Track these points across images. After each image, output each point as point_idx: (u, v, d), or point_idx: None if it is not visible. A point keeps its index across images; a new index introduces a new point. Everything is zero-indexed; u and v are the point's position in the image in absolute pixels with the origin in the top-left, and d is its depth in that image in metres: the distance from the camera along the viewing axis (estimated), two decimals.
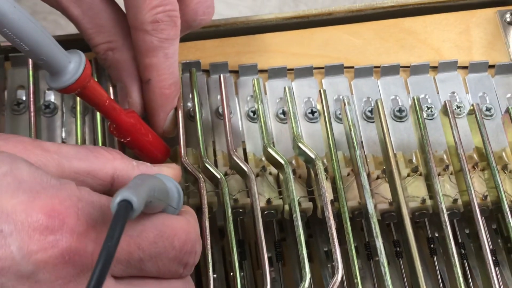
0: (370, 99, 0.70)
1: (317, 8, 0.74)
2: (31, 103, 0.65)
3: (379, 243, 0.58)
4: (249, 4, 1.65)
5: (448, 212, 0.63)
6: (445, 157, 0.67)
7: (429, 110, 0.69)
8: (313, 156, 0.62)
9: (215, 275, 0.65)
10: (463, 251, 0.63)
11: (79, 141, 0.65)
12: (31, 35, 0.47)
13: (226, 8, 1.63)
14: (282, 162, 0.62)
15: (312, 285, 0.62)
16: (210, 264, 0.58)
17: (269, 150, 0.63)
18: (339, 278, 0.57)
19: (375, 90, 0.70)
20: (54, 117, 0.69)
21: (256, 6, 1.65)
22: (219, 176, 0.62)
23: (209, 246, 0.58)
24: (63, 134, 0.68)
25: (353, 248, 0.59)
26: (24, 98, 0.69)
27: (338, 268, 0.57)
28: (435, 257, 0.64)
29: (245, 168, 0.62)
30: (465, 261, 0.63)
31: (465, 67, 0.71)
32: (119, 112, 0.56)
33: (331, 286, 0.56)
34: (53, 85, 0.50)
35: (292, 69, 0.70)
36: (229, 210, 0.61)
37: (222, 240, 0.68)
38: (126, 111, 0.57)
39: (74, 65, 0.50)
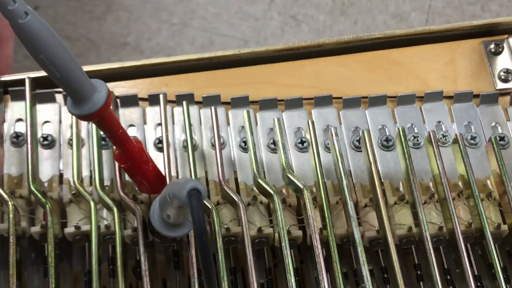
0: (358, 129, 0.72)
1: (307, 41, 0.76)
2: (29, 135, 0.67)
3: (365, 270, 0.60)
4: (252, 24, 1.68)
5: (434, 239, 0.65)
6: (431, 185, 0.68)
7: (416, 139, 0.71)
8: (301, 186, 0.64)
9: None
10: (448, 277, 0.65)
11: (75, 172, 0.66)
12: (65, 63, 0.48)
13: (229, 29, 1.66)
14: (272, 192, 0.64)
15: None
16: None
17: (259, 180, 0.65)
18: None
19: (363, 120, 0.72)
20: (52, 149, 0.71)
21: (258, 26, 1.68)
22: (210, 207, 0.64)
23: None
24: (61, 166, 0.70)
25: (340, 275, 0.61)
26: (23, 131, 0.71)
27: None
28: (421, 283, 0.65)
29: (236, 198, 0.64)
30: (451, 287, 0.65)
31: (450, 97, 0.73)
32: (129, 140, 0.58)
33: None
34: (75, 112, 0.52)
35: (282, 100, 0.72)
36: (220, 239, 0.62)
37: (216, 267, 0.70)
38: (134, 140, 0.59)
39: (98, 95, 0.52)
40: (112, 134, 0.57)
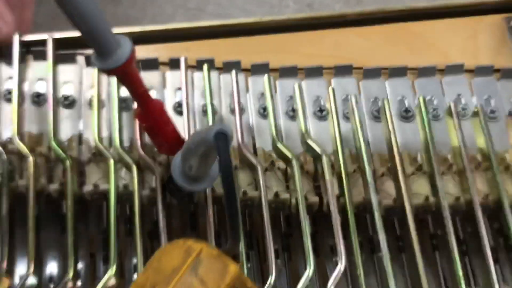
0: (378, 100, 0.72)
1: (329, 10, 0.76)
2: (51, 94, 0.68)
3: (382, 235, 0.60)
4: (267, 11, 1.68)
5: (451, 210, 0.65)
6: (449, 157, 0.68)
7: (435, 111, 0.71)
8: (320, 152, 0.64)
9: None
10: (464, 247, 0.65)
11: (95, 130, 0.67)
12: (92, 16, 0.49)
13: (244, 15, 1.66)
14: (290, 156, 0.64)
15: (316, 276, 0.64)
16: None
17: (278, 145, 0.65)
18: (342, 269, 0.59)
19: (383, 91, 0.72)
20: (72, 109, 0.71)
21: (273, 13, 1.68)
22: None
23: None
24: (81, 126, 0.70)
25: (356, 241, 0.61)
26: (43, 90, 0.71)
27: (341, 259, 0.59)
28: (437, 252, 0.65)
29: (254, 161, 0.64)
30: (466, 257, 0.65)
31: (471, 71, 0.73)
32: (150, 99, 0.58)
33: (334, 276, 0.58)
34: (100, 65, 0.53)
35: (302, 69, 0.72)
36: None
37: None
38: (156, 100, 0.59)
39: (123, 50, 0.52)
40: (135, 91, 0.58)
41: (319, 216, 0.69)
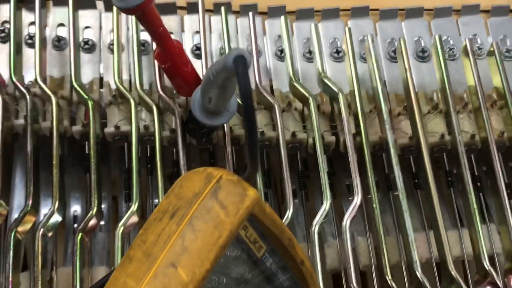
0: (394, 40, 0.72)
1: None
2: (72, 38, 0.69)
3: (398, 171, 0.61)
4: None
5: (466, 148, 0.65)
6: (465, 96, 0.69)
7: (451, 51, 0.71)
8: (337, 90, 0.65)
9: None
10: (479, 184, 0.66)
11: (115, 75, 0.68)
12: None
13: None
14: (307, 95, 0.65)
15: (333, 213, 0.65)
16: None
17: (295, 84, 0.66)
18: (358, 202, 0.60)
19: (399, 32, 0.73)
20: (93, 54, 0.72)
21: None
22: None
23: None
24: (101, 70, 0.72)
25: (372, 177, 0.62)
26: (64, 35, 0.72)
27: (357, 193, 0.60)
28: (452, 189, 0.66)
29: (272, 100, 0.65)
30: (481, 194, 0.66)
31: (487, 11, 0.73)
32: (169, 39, 0.59)
33: (350, 210, 0.60)
34: (119, 4, 0.53)
35: (319, 11, 0.73)
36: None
37: None
38: (174, 40, 0.60)
39: None
40: (154, 30, 0.59)
41: (336, 158, 0.70)
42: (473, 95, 0.66)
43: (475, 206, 0.60)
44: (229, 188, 0.44)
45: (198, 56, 0.71)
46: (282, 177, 0.63)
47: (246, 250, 0.46)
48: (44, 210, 0.67)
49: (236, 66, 0.45)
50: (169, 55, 0.61)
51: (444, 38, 0.72)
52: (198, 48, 0.71)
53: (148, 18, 0.57)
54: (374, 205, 0.61)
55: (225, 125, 0.64)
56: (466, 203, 0.62)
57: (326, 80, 0.65)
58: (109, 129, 0.67)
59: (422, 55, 0.71)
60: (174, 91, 0.67)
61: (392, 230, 0.66)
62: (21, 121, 0.66)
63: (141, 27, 0.69)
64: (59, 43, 0.72)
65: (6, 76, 0.69)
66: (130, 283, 0.41)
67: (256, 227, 0.46)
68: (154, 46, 0.67)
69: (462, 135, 0.64)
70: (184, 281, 0.41)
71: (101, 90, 0.71)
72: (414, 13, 0.73)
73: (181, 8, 0.74)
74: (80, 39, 0.72)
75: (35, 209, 0.64)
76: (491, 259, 0.63)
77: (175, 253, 0.42)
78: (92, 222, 0.63)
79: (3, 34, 0.72)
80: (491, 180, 0.64)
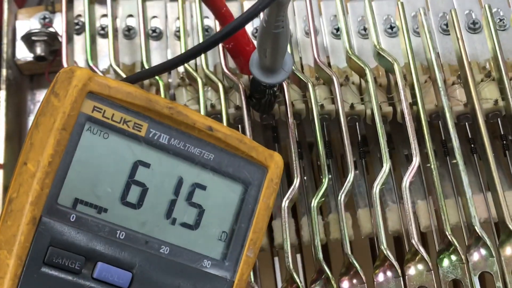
0: (446, 14, 0.75)
1: None
2: (142, 28, 0.74)
3: (454, 134, 0.64)
4: None
5: None
6: None
7: (501, 21, 0.74)
8: (392, 60, 0.68)
9: (305, 177, 0.73)
10: None
11: None
12: None
13: None
14: (364, 66, 0.68)
15: (393, 177, 0.68)
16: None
17: (352, 57, 0.69)
18: (416, 164, 0.63)
19: (451, 6, 0.76)
20: (160, 41, 0.77)
21: None
22: (306, 81, 0.69)
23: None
24: (169, 56, 0.77)
25: (430, 144, 0.65)
26: (133, 25, 0.78)
27: (415, 155, 0.63)
28: (507, 152, 0.69)
29: (330, 73, 0.69)
30: None
31: None
32: (232, 19, 0.63)
33: (410, 170, 0.63)
34: None
35: None
36: (317, 114, 0.68)
37: (311, 154, 0.76)
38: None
39: None
40: (217, 11, 0.63)
41: (394, 132, 0.73)
42: None
43: None
44: (62, 78, 0.47)
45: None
46: (342, 148, 0.67)
47: (118, 130, 0.48)
48: None
49: None
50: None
51: (494, 10, 0.74)
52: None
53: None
54: (432, 166, 0.63)
55: (286, 97, 0.68)
56: None
57: (381, 52, 0.69)
58: None
59: (474, 27, 0.74)
60: (237, 72, 0.71)
61: (451, 195, 0.69)
62: None
63: (204, 13, 0.74)
64: (129, 32, 0.77)
65: (82, 64, 0.75)
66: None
67: (114, 105, 0.48)
68: (218, 29, 0.72)
69: None
70: (31, 171, 0.45)
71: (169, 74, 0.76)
72: None
73: None
74: (148, 27, 0.78)
75: None
76: None
77: (26, 152, 0.46)
78: None
79: (77, 27, 0.78)
80: None
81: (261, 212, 0.53)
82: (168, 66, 0.57)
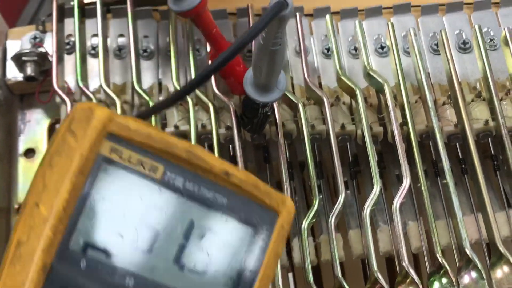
0: (436, 34, 0.75)
1: None
2: (132, 46, 0.74)
3: (444, 155, 0.64)
4: None
5: (510, 133, 0.68)
6: (507, 83, 0.72)
7: (492, 41, 0.74)
8: (382, 82, 0.68)
9: (296, 197, 0.73)
10: None
11: (174, 79, 0.72)
12: None
13: None
14: (354, 87, 0.68)
15: (383, 197, 0.68)
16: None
17: (343, 78, 0.69)
18: (407, 185, 0.63)
19: (441, 26, 0.76)
20: (151, 60, 0.77)
21: None
22: (296, 101, 0.69)
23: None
24: (160, 75, 0.77)
25: (420, 164, 0.65)
26: (124, 44, 0.78)
27: (406, 176, 0.63)
28: (498, 173, 0.69)
29: (320, 94, 0.69)
30: None
31: None
32: (222, 40, 0.64)
33: (400, 192, 0.63)
34: (175, 8, 0.58)
35: (362, 10, 0.76)
36: (307, 134, 0.68)
37: (302, 173, 0.75)
38: (227, 41, 0.65)
39: None
40: (208, 32, 0.63)
41: (385, 151, 0.73)
42: None
43: None
44: (80, 116, 0.44)
45: (249, 58, 0.75)
46: (333, 168, 0.67)
47: (134, 172, 0.45)
48: None
49: (272, 6, 0.48)
50: None
51: (484, 30, 0.75)
52: (250, 51, 0.75)
53: (202, 21, 0.61)
54: (423, 188, 0.63)
55: (277, 118, 0.68)
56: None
57: (371, 73, 0.69)
58: (169, 129, 0.71)
59: (464, 47, 0.74)
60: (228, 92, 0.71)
61: (442, 216, 0.69)
62: None
63: (194, 34, 0.74)
64: (120, 52, 0.77)
65: (72, 85, 0.74)
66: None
67: (132, 147, 0.45)
68: (209, 49, 0.72)
69: (505, 119, 0.66)
70: (44, 215, 0.42)
71: (160, 94, 0.76)
72: (455, 7, 0.76)
73: (232, 14, 0.78)
74: (139, 47, 0.77)
75: None
76: None
77: (37, 193, 0.43)
78: None
79: (68, 46, 0.78)
80: None
81: (270, 260, 0.50)
82: (176, 98, 0.57)
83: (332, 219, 0.64)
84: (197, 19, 0.61)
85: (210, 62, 0.70)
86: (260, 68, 0.58)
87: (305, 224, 0.64)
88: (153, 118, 0.69)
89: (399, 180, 0.71)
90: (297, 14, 0.73)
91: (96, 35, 0.76)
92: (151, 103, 0.70)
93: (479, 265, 0.61)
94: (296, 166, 0.75)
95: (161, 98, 0.75)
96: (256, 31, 0.48)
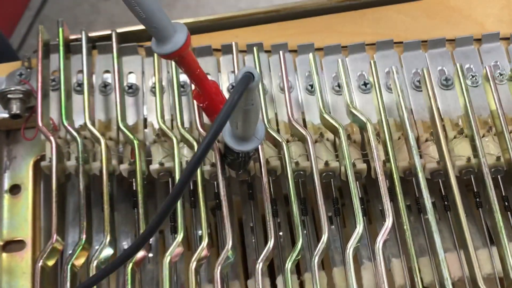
0: (419, 71, 0.76)
1: None
2: (117, 85, 0.74)
3: (426, 193, 0.65)
4: None
5: (492, 169, 0.68)
6: (489, 120, 0.72)
7: (474, 78, 0.75)
8: (365, 120, 0.69)
9: (280, 233, 0.73)
10: (506, 203, 0.69)
11: (159, 113, 0.73)
12: (150, 5, 0.54)
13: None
14: (337, 126, 0.69)
15: (367, 233, 0.69)
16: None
17: (325, 116, 0.70)
18: (390, 224, 0.64)
19: (423, 62, 0.77)
20: (136, 97, 0.78)
21: None
22: (280, 140, 0.69)
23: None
24: (145, 111, 0.77)
25: (402, 201, 0.65)
26: (109, 81, 0.78)
27: (388, 216, 0.64)
28: (480, 209, 0.69)
29: (304, 132, 0.69)
30: (509, 213, 0.68)
31: (507, 38, 0.77)
32: (206, 79, 0.64)
33: (383, 231, 0.63)
34: (158, 51, 0.58)
35: (346, 46, 0.77)
36: (291, 172, 0.68)
37: (287, 207, 0.76)
38: (211, 80, 0.65)
39: (179, 35, 0.58)
40: (191, 73, 0.64)
41: (370, 186, 0.74)
42: (496, 119, 0.69)
43: (501, 224, 0.63)
44: None
45: None
46: (317, 204, 0.67)
47: None
48: (96, 245, 0.72)
49: (240, 80, 0.50)
50: (206, 94, 0.65)
51: (466, 66, 0.76)
52: (234, 87, 0.75)
53: (185, 62, 0.62)
54: (405, 227, 0.64)
55: (261, 156, 0.68)
56: (493, 222, 0.65)
57: (354, 111, 0.69)
58: (154, 166, 0.71)
59: (446, 83, 0.75)
60: None
61: (425, 252, 0.69)
62: (73, 162, 0.72)
63: (180, 70, 0.74)
64: (105, 89, 0.78)
65: (58, 121, 0.75)
66: None
67: None
68: (193, 87, 0.73)
69: (487, 157, 0.67)
70: None
71: (146, 130, 0.76)
72: (437, 44, 0.77)
73: (217, 50, 0.79)
74: (125, 83, 0.78)
75: (89, 244, 0.69)
76: None
77: None
78: (142, 254, 0.68)
79: (53, 83, 0.78)
80: None
81: None
82: (121, 261, 0.56)
83: (315, 260, 0.64)
84: (180, 60, 0.61)
85: (195, 102, 0.70)
86: (236, 123, 0.59)
87: (288, 265, 0.64)
88: (137, 154, 0.70)
89: (383, 215, 0.72)
90: (281, 52, 0.73)
91: (81, 71, 0.77)
92: (135, 142, 0.70)
93: None
94: (281, 200, 0.75)
95: (146, 130, 0.76)
96: (227, 114, 0.50)
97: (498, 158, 0.69)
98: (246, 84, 0.51)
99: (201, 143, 0.50)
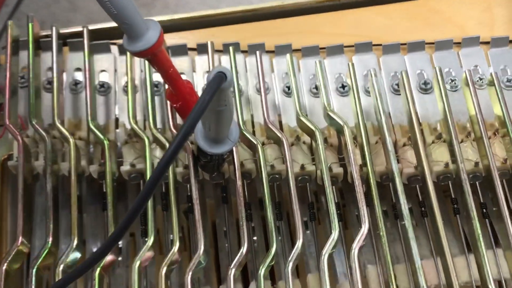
0: (398, 74, 0.74)
1: None
2: (88, 81, 0.72)
3: (403, 199, 0.63)
4: None
5: (470, 175, 0.67)
6: (468, 125, 0.71)
7: (453, 82, 0.74)
8: (342, 123, 0.67)
9: (255, 237, 0.72)
10: (484, 210, 0.67)
11: (130, 113, 0.71)
12: (121, 0, 0.52)
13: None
14: (314, 128, 0.67)
15: (344, 245, 0.67)
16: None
17: (302, 118, 0.68)
18: (365, 230, 0.62)
19: (402, 65, 0.75)
20: (108, 96, 0.75)
21: None
22: (255, 142, 0.67)
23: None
24: (117, 111, 0.75)
25: (379, 206, 0.64)
26: (80, 79, 0.76)
27: (364, 221, 0.62)
28: (458, 216, 0.68)
29: (280, 135, 0.67)
30: (487, 220, 0.67)
31: (487, 42, 0.76)
32: (179, 79, 0.62)
33: (358, 237, 0.62)
34: (130, 48, 0.56)
35: (324, 48, 0.76)
36: (266, 175, 0.66)
37: (262, 211, 0.74)
38: (185, 80, 0.63)
39: (151, 32, 0.56)
40: (164, 72, 0.62)
41: (346, 190, 0.72)
42: (475, 124, 0.68)
43: (479, 231, 0.62)
44: None
45: None
46: (292, 209, 0.66)
47: None
48: (64, 248, 0.69)
49: (211, 80, 0.48)
50: (180, 94, 0.64)
51: (446, 70, 0.74)
52: None
53: (158, 61, 0.60)
54: (381, 233, 0.62)
55: (235, 159, 0.66)
56: (471, 229, 0.63)
57: (331, 114, 0.68)
58: (125, 167, 0.69)
59: (425, 87, 0.73)
60: None
61: (402, 258, 0.68)
62: (41, 162, 0.69)
63: (153, 69, 0.72)
64: (76, 87, 0.75)
65: (26, 120, 0.72)
66: None
67: None
68: (166, 86, 0.71)
69: (465, 163, 0.66)
70: None
71: (117, 130, 0.74)
72: (416, 47, 0.75)
73: (192, 49, 0.77)
74: (96, 82, 0.76)
75: (55, 247, 0.66)
76: (501, 284, 0.65)
77: None
78: (110, 257, 0.66)
79: (22, 80, 0.75)
80: (496, 207, 0.65)
81: None
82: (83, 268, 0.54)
83: (290, 266, 0.62)
84: (153, 59, 0.59)
85: (168, 102, 0.68)
86: (208, 124, 0.57)
87: (261, 271, 0.62)
88: (107, 155, 0.68)
89: (359, 220, 0.70)
90: (258, 52, 0.71)
91: (51, 68, 0.74)
92: (105, 142, 0.68)
93: None
94: (256, 203, 0.73)
95: (117, 130, 0.73)
96: (198, 115, 0.49)
97: (476, 164, 0.68)
98: (218, 84, 0.49)
99: (171, 143, 0.48)
